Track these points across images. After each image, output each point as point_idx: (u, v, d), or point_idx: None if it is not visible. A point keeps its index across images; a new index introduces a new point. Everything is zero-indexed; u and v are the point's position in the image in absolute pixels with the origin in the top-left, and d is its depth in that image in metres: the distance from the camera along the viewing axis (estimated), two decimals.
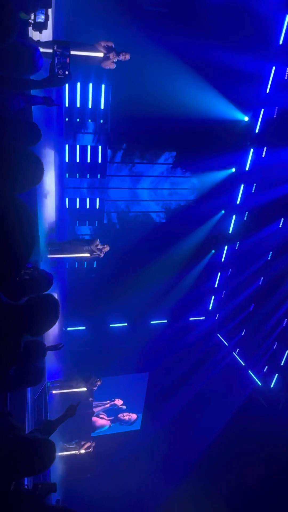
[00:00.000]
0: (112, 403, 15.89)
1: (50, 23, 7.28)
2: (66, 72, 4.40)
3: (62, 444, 12.63)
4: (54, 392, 11.32)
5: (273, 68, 10.65)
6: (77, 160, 11.34)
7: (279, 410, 12.64)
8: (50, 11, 6.11)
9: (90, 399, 13.29)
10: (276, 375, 12.96)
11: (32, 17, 5.75)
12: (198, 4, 9.55)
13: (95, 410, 15.38)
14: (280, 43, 10.15)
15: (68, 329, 13.55)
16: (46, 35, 6.93)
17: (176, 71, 10.01)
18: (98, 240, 9.80)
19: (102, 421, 15.92)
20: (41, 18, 5.64)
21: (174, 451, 14.73)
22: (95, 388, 10.48)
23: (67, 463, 12.94)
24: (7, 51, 3.59)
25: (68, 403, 4.39)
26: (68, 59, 4.39)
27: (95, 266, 13.23)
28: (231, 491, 13.08)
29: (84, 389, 10.24)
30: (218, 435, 14.15)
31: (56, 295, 10.55)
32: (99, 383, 10.48)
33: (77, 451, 12.80)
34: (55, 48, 4.37)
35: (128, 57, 8.76)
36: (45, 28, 5.88)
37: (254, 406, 13.49)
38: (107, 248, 9.69)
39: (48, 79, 4.43)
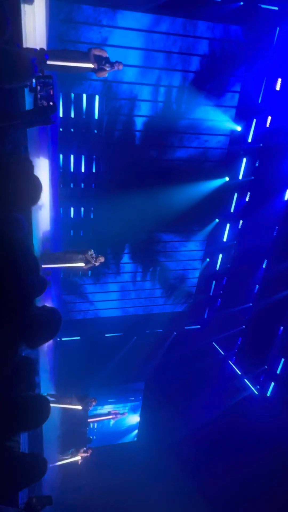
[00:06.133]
0: (108, 416, 15.68)
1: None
2: (51, 103, 4.35)
3: (57, 456, 12.39)
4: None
5: (265, 79, 10.82)
6: (71, 170, 11.36)
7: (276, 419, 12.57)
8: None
9: (85, 417, 13.10)
10: (272, 383, 12.92)
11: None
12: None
13: (90, 420, 15.14)
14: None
15: (63, 339, 13.41)
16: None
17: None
18: (92, 250, 9.70)
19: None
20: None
21: (172, 462, 14.55)
22: (91, 407, 10.37)
23: (61, 473, 12.71)
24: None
25: (64, 418, 4.30)
26: (51, 91, 4.29)
27: (89, 275, 13.22)
28: (229, 502, 12.94)
29: (79, 407, 10.07)
30: (216, 445, 14.02)
31: (49, 305, 10.44)
32: (94, 403, 10.36)
33: (73, 459, 12.50)
34: (37, 81, 4.22)
35: (121, 67, 8.83)
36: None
37: (251, 414, 13.40)
38: (102, 259, 9.56)
39: (33, 111, 4.42)
